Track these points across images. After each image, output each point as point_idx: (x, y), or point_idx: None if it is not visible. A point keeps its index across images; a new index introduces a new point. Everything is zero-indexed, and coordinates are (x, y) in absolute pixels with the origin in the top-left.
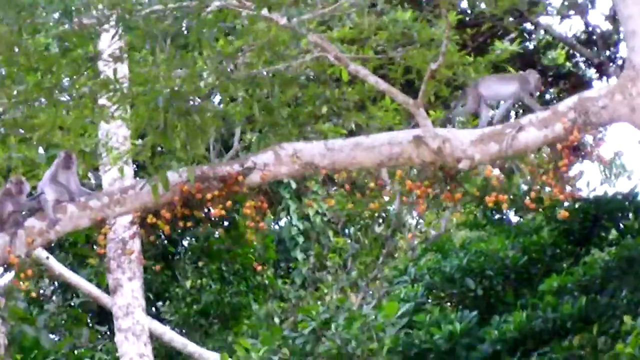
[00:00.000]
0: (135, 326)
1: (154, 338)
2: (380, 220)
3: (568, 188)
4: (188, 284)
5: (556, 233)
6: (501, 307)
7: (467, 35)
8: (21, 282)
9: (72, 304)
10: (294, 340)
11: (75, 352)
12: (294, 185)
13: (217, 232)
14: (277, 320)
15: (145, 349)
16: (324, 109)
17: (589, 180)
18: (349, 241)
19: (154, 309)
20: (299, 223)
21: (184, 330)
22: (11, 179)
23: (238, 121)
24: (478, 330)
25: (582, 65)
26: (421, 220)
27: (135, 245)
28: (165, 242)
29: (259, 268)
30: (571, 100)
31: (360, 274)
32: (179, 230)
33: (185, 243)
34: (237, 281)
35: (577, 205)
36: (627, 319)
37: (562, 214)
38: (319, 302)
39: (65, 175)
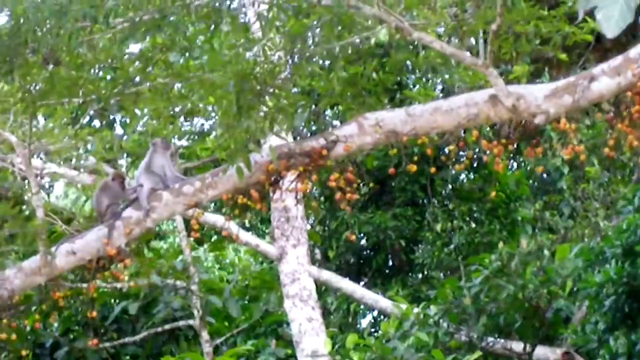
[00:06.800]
0: (302, 292)
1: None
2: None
3: None
4: (438, 227)
5: None
6: None
7: None
8: (120, 272)
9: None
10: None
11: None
12: None
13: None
14: (546, 252)
15: (314, 312)
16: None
17: None
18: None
19: (404, 255)
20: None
21: (441, 273)
22: (111, 174)
23: (321, 96)
24: None
25: None
26: None
27: (299, 211)
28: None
29: None
30: None
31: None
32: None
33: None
34: (489, 220)
35: None
36: None
37: None
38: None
39: (159, 163)
